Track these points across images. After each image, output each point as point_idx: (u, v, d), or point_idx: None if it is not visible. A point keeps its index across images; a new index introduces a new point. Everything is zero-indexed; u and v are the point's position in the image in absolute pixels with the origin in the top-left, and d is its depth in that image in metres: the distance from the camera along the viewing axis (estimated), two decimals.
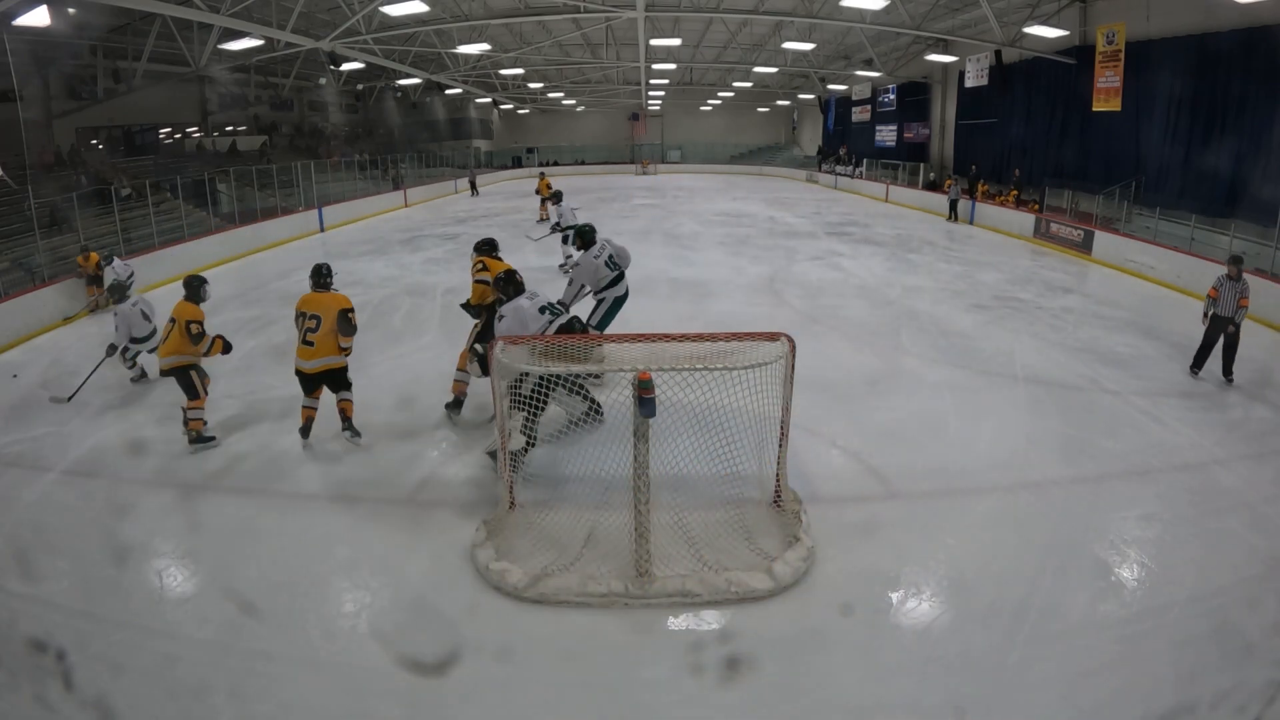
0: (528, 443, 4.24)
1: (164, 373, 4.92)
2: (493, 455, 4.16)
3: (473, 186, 24.70)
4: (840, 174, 25.66)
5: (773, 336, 3.63)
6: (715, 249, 12.57)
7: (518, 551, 3.51)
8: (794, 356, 3.55)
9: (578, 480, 4.00)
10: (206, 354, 4.92)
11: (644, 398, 3.07)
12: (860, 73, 22.41)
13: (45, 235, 10.01)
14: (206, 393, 4.96)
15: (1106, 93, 13.59)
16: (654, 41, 19.33)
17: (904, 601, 3.29)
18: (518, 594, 3.24)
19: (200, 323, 4.89)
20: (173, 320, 4.85)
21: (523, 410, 4.10)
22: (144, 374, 6.26)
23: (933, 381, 6.07)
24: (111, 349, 6.02)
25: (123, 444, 4.95)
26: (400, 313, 8.49)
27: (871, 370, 6.30)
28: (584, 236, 6.10)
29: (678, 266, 10.88)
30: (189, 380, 4.82)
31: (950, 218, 16.77)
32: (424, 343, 7.28)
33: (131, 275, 8.01)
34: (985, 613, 3.16)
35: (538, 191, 16.09)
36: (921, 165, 20.90)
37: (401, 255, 12.48)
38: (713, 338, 3.61)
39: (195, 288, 4.99)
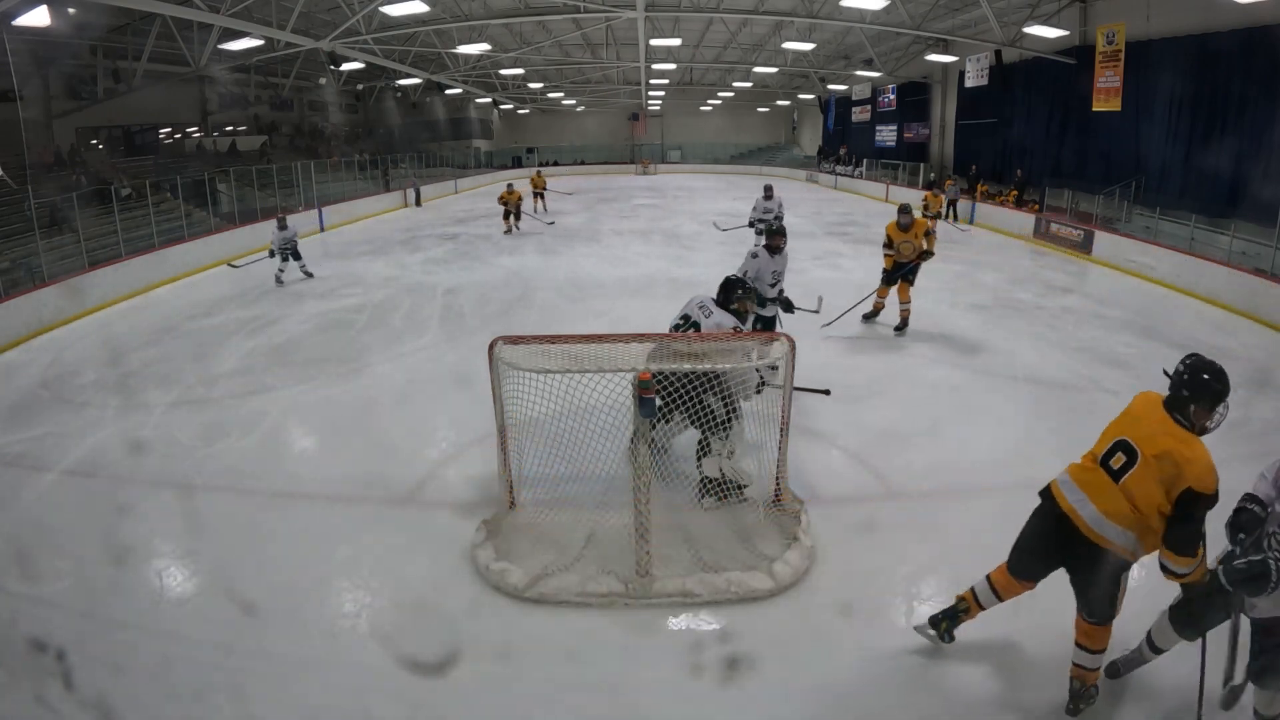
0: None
1: None
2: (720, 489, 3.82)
3: (416, 198, 21.15)
4: (840, 174, 25.66)
5: (773, 336, 3.64)
6: (716, 249, 12.55)
7: (518, 551, 3.51)
8: (794, 356, 3.55)
9: (578, 480, 3.99)
10: None
11: (644, 397, 3.07)
12: (860, 73, 22.41)
13: (45, 235, 9.99)
14: None
15: (1106, 93, 13.59)
16: (654, 41, 19.33)
17: (904, 601, 3.29)
18: (518, 594, 3.24)
19: None
20: None
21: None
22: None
23: (932, 381, 6.07)
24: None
25: (123, 444, 4.95)
26: (400, 313, 8.48)
27: (871, 370, 6.30)
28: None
29: (678, 266, 10.88)
30: None
31: (947, 217, 16.73)
32: (424, 343, 7.28)
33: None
34: (985, 613, 3.16)
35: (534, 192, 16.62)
36: (922, 165, 20.88)
37: (401, 255, 12.48)
38: (713, 337, 3.61)
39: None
